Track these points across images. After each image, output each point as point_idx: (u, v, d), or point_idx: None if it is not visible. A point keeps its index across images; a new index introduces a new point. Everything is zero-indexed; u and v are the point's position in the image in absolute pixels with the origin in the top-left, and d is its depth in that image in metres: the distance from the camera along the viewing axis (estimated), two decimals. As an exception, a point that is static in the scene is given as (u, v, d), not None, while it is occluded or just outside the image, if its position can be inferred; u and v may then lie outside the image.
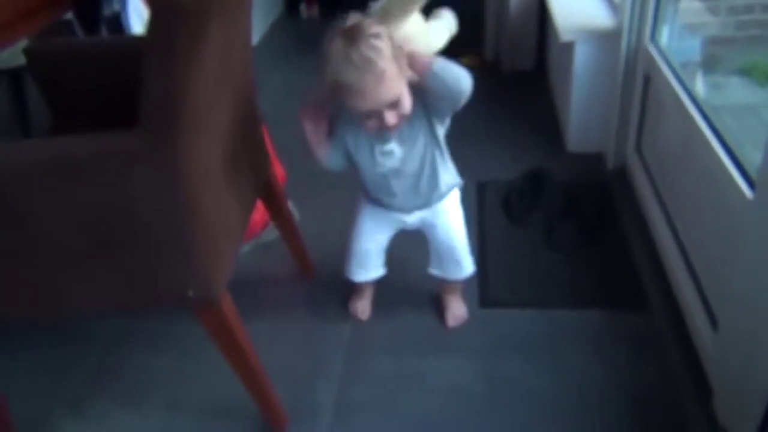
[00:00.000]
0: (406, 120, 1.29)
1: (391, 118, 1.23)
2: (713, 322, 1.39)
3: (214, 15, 1.03)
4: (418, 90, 1.27)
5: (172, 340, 1.64)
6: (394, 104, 1.22)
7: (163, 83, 0.95)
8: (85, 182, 1.00)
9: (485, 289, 1.74)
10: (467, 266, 1.60)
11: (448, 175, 1.44)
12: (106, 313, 1.59)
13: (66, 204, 1.02)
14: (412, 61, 1.22)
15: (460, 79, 1.22)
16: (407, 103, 1.25)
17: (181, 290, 1.12)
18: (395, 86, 1.20)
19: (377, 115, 1.23)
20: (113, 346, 1.65)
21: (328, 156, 1.37)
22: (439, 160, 1.39)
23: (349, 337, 1.64)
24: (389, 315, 1.69)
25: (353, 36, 1.17)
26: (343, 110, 1.33)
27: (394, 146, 1.34)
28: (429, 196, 1.44)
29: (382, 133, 1.30)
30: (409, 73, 1.23)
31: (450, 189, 1.47)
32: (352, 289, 1.71)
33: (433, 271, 1.62)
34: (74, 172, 1.00)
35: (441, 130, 1.37)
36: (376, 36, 1.17)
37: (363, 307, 1.69)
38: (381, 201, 1.47)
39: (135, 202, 1.02)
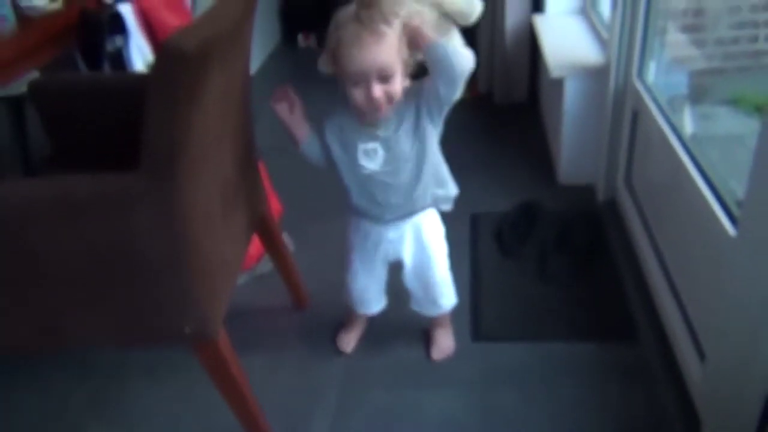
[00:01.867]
0: (393, 112, 1.29)
1: (378, 91, 1.23)
2: (701, 354, 1.41)
3: (215, 60, 1.07)
4: (411, 91, 1.29)
5: (168, 370, 1.65)
6: (385, 77, 1.23)
7: (165, 126, 0.99)
8: (86, 221, 1.03)
9: (478, 322, 1.76)
10: (446, 303, 1.61)
11: (438, 188, 1.43)
12: (103, 346, 1.61)
13: (67, 241, 1.05)
14: (418, 34, 1.22)
15: (462, 55, 1.25)
16: (397, 87, 1.25)
17: (178, 327, 1.15)
18: (391, 56, 1.22)
19: (365, 81, 1.23)
20: (111, 376, 1.66)
21: (307, 139, 1.38)
22: (425, 172, 1.37)
23: (343, 370, 1.65)
24: (383, 348, 1.70)
25: (369, 3, 1.21)
26: (329, 114, 1.36)
27: (377, 146, 1.33)
28: (412, 205, 1.42)
29: (368, 115, 1.29)
30: (407, 59, 1.26)
31: (437, 201, 1.46)
32: (344, 320, 1.73)
33: (414, 307, 1.64)
34: (77, 211, 1.03)
35: (433, 134, 1.35)
36: (390, 11, 1.22)
37: (348, 341, 1.70)
38: (364, 209, 1.44)
39: (135, 240, 1.05)
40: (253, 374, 1.39)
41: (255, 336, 1.76)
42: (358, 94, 1.25)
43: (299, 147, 1.40)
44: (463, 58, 1.24)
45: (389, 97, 1.26)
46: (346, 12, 1.24)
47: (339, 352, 1.69)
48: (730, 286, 1.20)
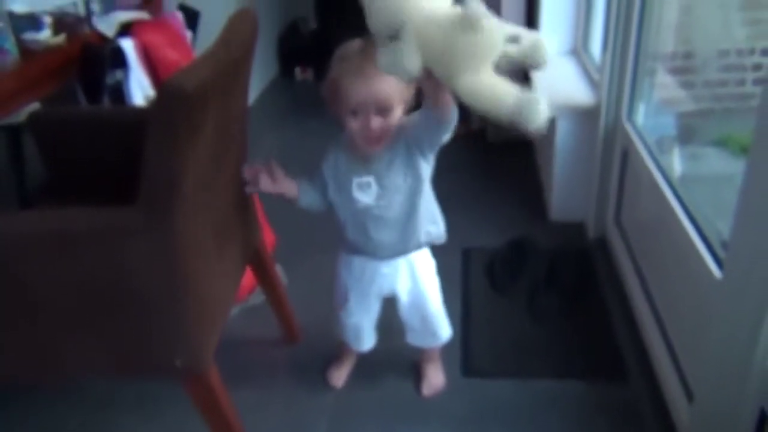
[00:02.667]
0: (385, 147, 1.32)
1: (375, 122, 1.26)
2: (689, 395, 1.42)
3: (215, 98, 1.10)
4: (400, 126, 1.31)
5: (157, 404, 1.64)
6: (383, 110, 1.26)
7: (164, 163, 1.01)
8: (83, 255, 1.05)
9: (468, 357, 1.77)
10: (444, 334, 1.63)
11: (431, 224, 1.44)
12: (95, 378, 1.60)
13: (64, 274, 1.06)
14: (438, 87, 1.11)
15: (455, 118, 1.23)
16: (394, 122, 1.29)
17: (169, 360, 1.15)
18: (392, 90, 1.24)
19: (364, 112, 1.25)
20: (99, 408, 1.65)
21: (301, 193, 1.41)
22: (419, 207, 1.39)
23: (333, 404, 1.65)
24: (372, 382, 1.71)
25: (373, 42, 1.23)
26: (324, 153, 1.39)
27: (371, 180, 1.35)
28: (406, 244, 1.44)
29: (362, 148, 1.32)
30: (407, 97, 1.28)
31: (430, 239, 1.47)
32: (335, 354, 1.74)
33: (411, 340, 1.64)
34: (73, 244, 1.04)
35: (427, 170, 1.37)
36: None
37: (339, 376, 1.71)
38: (358, 244, 1.45)
39: (130, 274, 1.06)
40: (243, 408, 1.39)
41: (245, 369, 1.76)
42: (355, 124, 1.28)
43: (297, 203, 1.42)
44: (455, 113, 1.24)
45: (385, 131, 1.29)
46: (351, 46, 1.28)
47: (329, 387, 1.69)
48: (715, 328, 1.22)
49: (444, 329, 1.62)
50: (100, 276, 1.07)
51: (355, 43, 1.27)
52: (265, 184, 1.38)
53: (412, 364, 1.73)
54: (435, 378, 1.68)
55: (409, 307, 1.56)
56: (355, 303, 1.56)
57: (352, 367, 1.74)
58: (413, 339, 1.64)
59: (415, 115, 1.30)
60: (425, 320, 1.58)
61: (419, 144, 1.32)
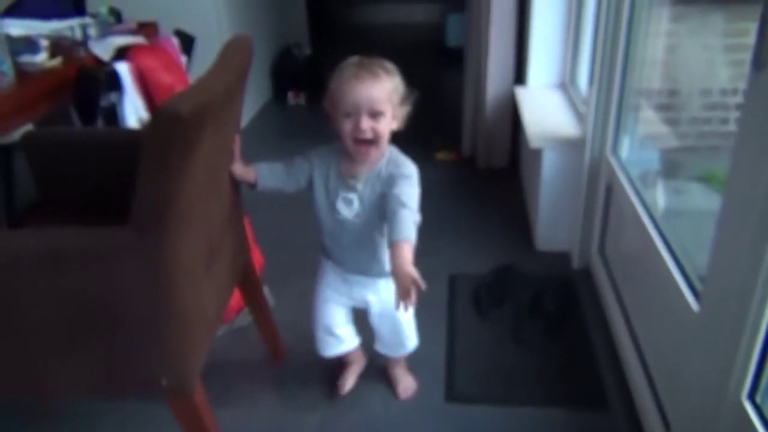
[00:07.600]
0: (371, 172, 1.39)
1: (366, 124, 1.33)
2: (666, 425, 1.44)
3: (208, 122, 1.13)
4: (390, 165, 1.39)
5: (140, 422, 1.64)
6: (375, 114, 1.33)
7: (156, 185, 1.03)
8: (72, 274, 1.06)
9: (452, 382, 1.78)
10: (410, 345, 1.68)
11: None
12: (79, 398, 1.60)
13: (52, 293, 1.07)
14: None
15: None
16: (384, 128, 1.35)
17: (155, 379, 1.16)
18: (383, 95, 1.33)
19: (356, 114, 1.32)
20: (82, 427, 1.65)
21: (260, 179, 1.45)
22: (385, 241, 1.45)
23: (317, 426, 1.66)
24: (357, 403, 1.72)
25: (371, 58, 1.36)
26: (319, 150, 1.46)
27: (354, 198, 1.43)
28: (369, 265, 1.51)
29: (354, 155, 1.38)
30: (397, 110, 1.37)
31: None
32: (339, 364, 1.76)
33: (379, 348, 1.70)
34: (64, 264, 1.06)
35: None
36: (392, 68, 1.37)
37: (344, 383, 1.74)
38: (329, 249, 1.54)
39: (119, 294, 1.08)
40: (227, 428, 1.39)
41: (230, 389, 1.76)
42: (347, 125, 1.35)
43: (256, 188, 1.47)
44: None
45: (376, 135, 1.35)
46: (349, 59, 1.38)
47: (313, 408, 1.70)
48: (692, 360, 1.24)
49: (411, 340, 1.68)
50: (89, 295, 1.08)
51: (353, 58, 1.38)
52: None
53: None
54: (406, 380, 1.75)
55: (379, 317, 1.61)
56: (331, 294, 1.61)
57: (361, 371, 1.78)
58: (381, 347, 1.70)
59: (400, 188, 1.35)
60: (395, 330, 1.63)
61: (384, 201, 1.38)
